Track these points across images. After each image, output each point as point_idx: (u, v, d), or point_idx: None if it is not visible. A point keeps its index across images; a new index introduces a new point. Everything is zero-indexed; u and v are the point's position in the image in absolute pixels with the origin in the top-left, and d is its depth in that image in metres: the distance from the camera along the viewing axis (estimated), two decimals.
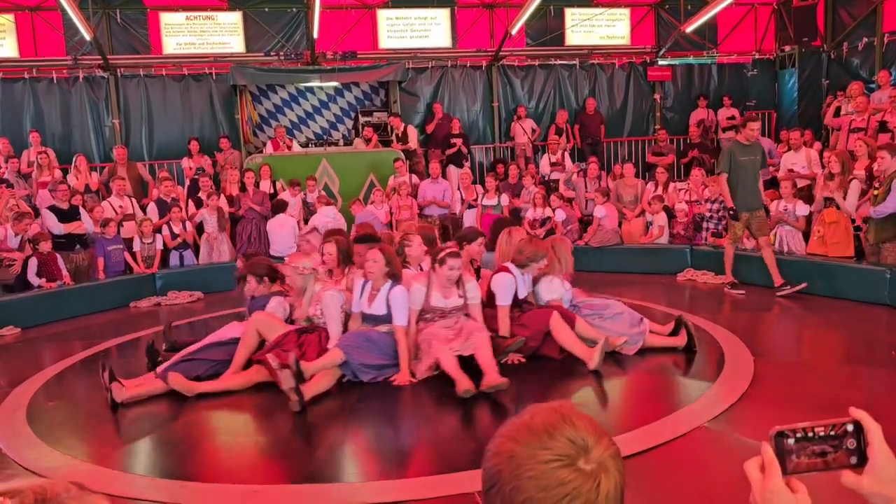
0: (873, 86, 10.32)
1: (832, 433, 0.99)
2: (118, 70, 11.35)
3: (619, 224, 9.41)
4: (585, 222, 9.73)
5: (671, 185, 9.76)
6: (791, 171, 8.85)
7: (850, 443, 0.99)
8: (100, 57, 10.95)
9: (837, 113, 9.85)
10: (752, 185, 6.97)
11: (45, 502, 0.70)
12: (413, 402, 4.56)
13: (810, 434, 0.99)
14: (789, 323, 6.31)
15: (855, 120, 9.04)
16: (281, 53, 11.77)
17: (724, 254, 7.42)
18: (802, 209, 7.78)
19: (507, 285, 5.18)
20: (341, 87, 12.33)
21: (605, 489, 0.91)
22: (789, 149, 9.27)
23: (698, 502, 3.06)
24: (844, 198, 7.17)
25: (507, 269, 5.27)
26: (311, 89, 12.24)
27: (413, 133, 11.39)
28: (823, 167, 8.21)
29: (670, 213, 9.21)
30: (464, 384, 4.32)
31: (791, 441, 0.99)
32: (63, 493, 0.72)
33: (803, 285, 6.76)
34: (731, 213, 7.05)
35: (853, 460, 0.99)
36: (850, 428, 0.99)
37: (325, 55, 11.74)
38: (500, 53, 12.21)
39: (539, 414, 0.97)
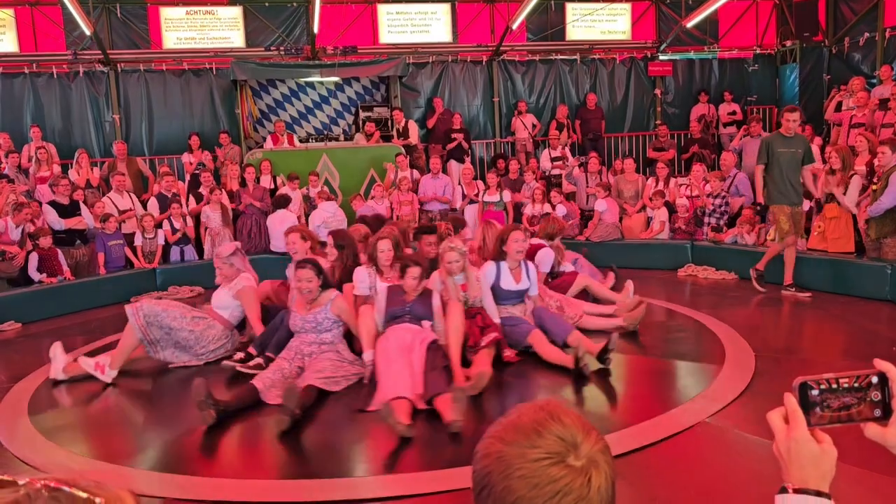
0: (874, 81, 10.30)
1: (857, 385, 0.97)
2: (118, 65, 11.33)
3: (620, 219, 9.40)
4: (586, 217, 9.73)
5: (672, 180, 9.76)
6: None
7: (875, 395, 0.97)
8: (100, 52, 10.93)
9: (839, 108, 9.83)
10: (794, 179, 6.67)
11: (69, 484, 0.71)
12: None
13: (834, 385, 0.98)
14: (790, 318, 6.31)
15: (856, 115, 9.03)
16: (281, 48, 11.75)
17: (785, 256, 6.83)
18: (805, 204, 7.76)
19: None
20: (342, 83, 12.31)
21: (597, 484, 0.90)
22: None
23: (699, 498, 3.06)
24: (845, 193, 7.16)
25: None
26: (311, 84, 12.23)
27: (414, 128, 11.37)
28: (824, 162, 8.19)
29: (671, 209, 9.21)
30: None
31: (815, 392, 0.98)
32: (85, 482, 0.73)
33: (808, 294, 6.69)
34: (759, 207, 6.92)
35: (877, 413, 0.97)
36: (874, 380, 0.97)
37: (326, 50, 11.72)
38: (501, 48, 12.19)
39: (526, 413, 0.97)
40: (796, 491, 0.98)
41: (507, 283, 5.27)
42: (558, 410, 0.96)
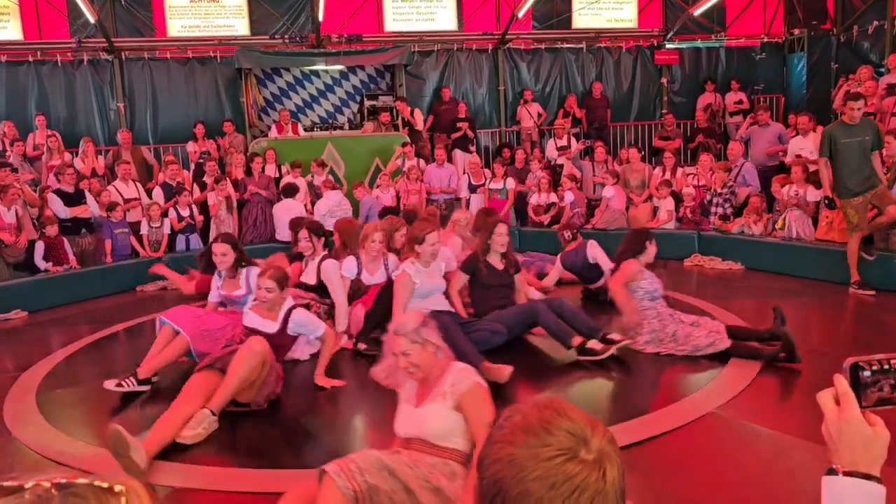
0: (883, 70, 10.22)
1: None
2: (122, 53, 11.30)
3: (626, 208, 9.38)
4: (592, 206, 9.71)
5: (679, 169, 9.72)
6: (799, 156, 8.78)
7: None
8: (104, 40, 10.90)
9: None
10: (861, 168, 6.27)
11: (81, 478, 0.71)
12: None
13: (886, 366, 0.96)
14: (799, 309, 6.27)
15: None
16: (286, 36, 11.70)
17: (847, 249, 6.46)
18: (813, 194, 7.73)
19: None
20: (346, 71, 12.25)
21: (612, 476, 0.90)
22: (797, 133, 9.20)
23: (708, 488, 3.05)
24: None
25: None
26: (316, 73, 12.18)
27: (420, 116, 11.33)
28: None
29: (678, 199, 9.17)
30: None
31: (867, 373, 0.96)
32: (96, 474, 0.73)
33: (872, 293, 6.32)
34: (827, 202, 6.71)
35: None
36: None
37: (331, 38, 11.66)
38: (507, 37, 12.12)
39: (530, 413, 0.94)
40: (846, 473, 0.96)
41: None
42: (562, 406, 0.95)
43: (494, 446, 0.93)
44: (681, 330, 4.75)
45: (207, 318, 4.83)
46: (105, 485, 0.71)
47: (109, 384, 4.45)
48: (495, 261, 5.30)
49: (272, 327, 4.28)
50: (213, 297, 5.14)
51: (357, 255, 5.52)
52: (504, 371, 4.25)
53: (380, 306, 5.21)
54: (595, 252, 6.45)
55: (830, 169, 6.45)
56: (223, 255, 4.98)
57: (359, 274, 5.49)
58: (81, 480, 0.71)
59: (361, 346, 5.18)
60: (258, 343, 3.96)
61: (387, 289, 5.22)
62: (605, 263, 6.20)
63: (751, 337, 4.71)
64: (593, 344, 4.68)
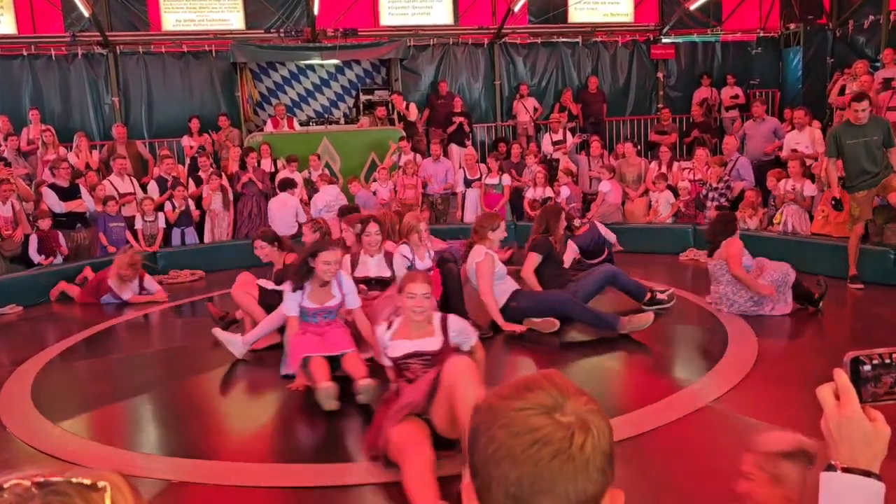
0: (878, 64, 10.22)
1: None
2: (117, 47, 11.25)
3: (623, 203, 9.40)
4: (588, 201, 9.72)
5: (675, 163, 9.72)
6: (795, 150, 8.80)
7: None
8: (98, 34, 10.84)
9: (842, 92, 9.76)
10: (868, 168, 6.19)
11: (61, 475, 0.70)
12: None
13: (888, 360, 0.95)
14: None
15: None
16: (281, 30, 11.66)
17: (849, 243, 6.46)
18: (810, 189, 7.74)
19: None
20: (342, 65, 12.22)
21: (580, 442, 0.86)
22: (793, 128, 9.21)
23: (703, 481, 3.06)
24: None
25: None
26: (311, 67, 12.14)
27: (414, 108, 11.31)
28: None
29: (674, 193, 9.18)
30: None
31: (867, 368, 0.95)
32: (75, 471, 0.71)
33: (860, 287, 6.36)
34: (834, 202, 6.59)
35: None
36: None
37: (326, 32, 11.63)
38: (503, 31, 12.10)
39: (527, 375, 0.96)
40: (845, 470, 0.95)
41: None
42: (556, 375, 0.95)
43: (484, 399, 0.95)
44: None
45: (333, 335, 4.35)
46: (87, 481, 0.69)
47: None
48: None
49: (435, 343, 3.52)
50: (291, 310, 4.40)
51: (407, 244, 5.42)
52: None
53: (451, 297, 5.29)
54: (604, 230, 7.77)
55: (838, 169, 6.41)
56: (336, 262, 4.37)
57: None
58: (60, 478, 0.69)
59: None
60: (467, 365, 3.06)
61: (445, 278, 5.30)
62: (612, 237, 7.95)
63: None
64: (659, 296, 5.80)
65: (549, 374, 0.94)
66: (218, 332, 5.08)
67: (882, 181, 6.28)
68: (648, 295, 5.84)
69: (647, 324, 5.01)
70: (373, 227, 5.14)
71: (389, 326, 3.66)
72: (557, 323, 5.29)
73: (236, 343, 4.95)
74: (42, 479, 0.68)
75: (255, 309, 5.22)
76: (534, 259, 5.79)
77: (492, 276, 5.35)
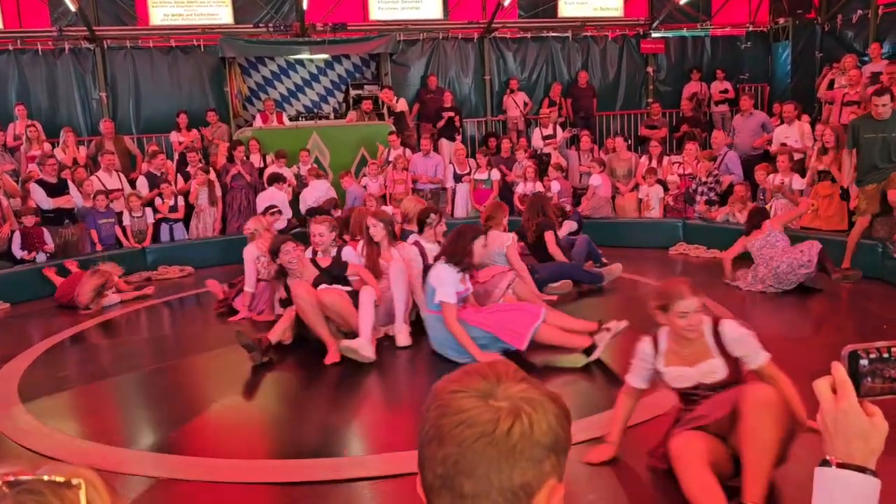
0: (866, 59, 10.27)
1: None
2: (104, 42, 11.15)
3: (613, 198, 9.41)
4: (578, 195, 9.73)
5: (665, 158, 9.74)
6: (784, 144, 8.83)
7: None
8: (85, 28, 10.75)
9: (831, 86, 9.81)
10: (882, 165, 6.22)
11: (31, 473, 0.68)
12: (410, 372, 4.56)
13: (885, 355, 0.93)
14: (783, 297, 6.30)
15: (848, 93, 9.00)
16: (270, 25, 11.59)
17: (851, 233, 6.53)
18: (799, 182, 7.77)
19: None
20: (331, 60, 12.16)
21: (505, 427, 0.84)
22: (782, 122, 9.25)
23: None
24: (840, 171, 7.17)
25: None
26: (300, 62, 12.08)
27: (404, 103, 11.27)
28: (815, 140, 8.19)
29: (665, 187, 9.21)
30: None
31: (865, 362, 0.93)
32: (48, 468, 0.70)
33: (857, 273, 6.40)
34: (842, 191, 6.62)
35: None
36: None
37: (315, 27, 11.57)
38: (492, 25, 12.07)
39: (477, 363, 0.96)
40: (840, 465, 0.93)
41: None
42: (502, 362, 0.94)
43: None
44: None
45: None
46: (61, 479, 0.68)
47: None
48: None
49: (720, 370, 2.97)
50: (451, 297, 4.46)
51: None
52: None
53: None
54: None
55: (854, 161, 6.40)
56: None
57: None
58: (33, 476, 0.67)
59: None
60: (769, 398, 2.72)
61: None
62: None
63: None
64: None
65: (496, 362, 0.94)
66: (344, 344, 4.67)
67: (891, 174, 6.25)
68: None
69: (619, 272, 6.64)
70: (290, 246, 5.03)
71: (656, 347, 3.08)
72: (571, 283, 6.42)
73: (363, 345, 4.63)
74: (13, 478, 0.67)
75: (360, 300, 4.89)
76: (552, 237, 6.71)
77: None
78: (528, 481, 0.85)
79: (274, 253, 5.02)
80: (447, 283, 4.48)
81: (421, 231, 5.54)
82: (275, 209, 8.04)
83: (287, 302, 5.13)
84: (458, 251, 4.55)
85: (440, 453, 0.86)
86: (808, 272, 6.01)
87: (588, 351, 4.51)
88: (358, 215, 5.99)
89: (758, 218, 6.41)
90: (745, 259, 6.49)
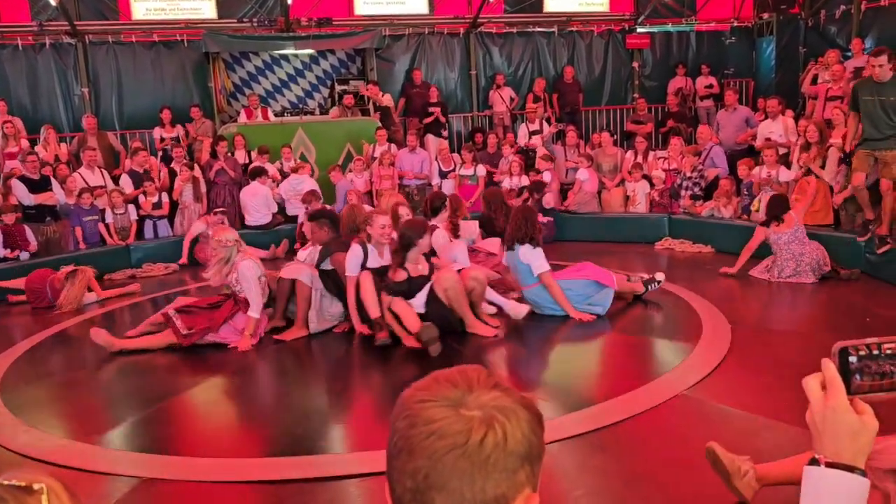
0: (850, 54, 10.33)
1: None
2: (86, 36, 11.02)
3: (599, 192, 9.43)
4: (564, 190, 9.75)
5: (651, 153, 9.77)
6: (768, 139, 8.87)
7: None
8: (66, 23, 10.62)
9: (814, 81, 9.86)
10: (880, 127, 6.13)
11: None
12: (395, 368, 4.55)
13: (876, 352, 0.91)
14: (766, 290, 6.35)
15: (832, 88, 9.05)
16: (254, 20, 11.49)
17: (858, 197, 6.58)
18: (786, 175, 7.81)
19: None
20: (316, 55, 12.09)
21: (478, 438, 0.80)
22: (766, 117, 9.29)
23: (679, 469, 3.08)
24: (823, 167, 7.21)
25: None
26: (285, 57, 12.00)
27: (389, 98, 11.22)
28: (799, 136, 8.22)
29: (651, 182, 9.23)
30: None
31: (854, 359, 0.92)
32: (9, 474, 0.68)
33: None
34: (843, 155, 6.61)
35: None
36: None
37: (300, 22, 11.48)
38: (478, 20, 12.05)
39: (445, 369, 0.91)
40: (829, 465, 0.91)
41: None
42: (473, 369, 0.90)
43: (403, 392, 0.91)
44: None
45: None
46: (21, 484, 0.67)
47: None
48: None
49: None
50: (547, 266, 5.37)
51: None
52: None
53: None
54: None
55: (856, 123, 6.39)
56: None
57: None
58: None
59: None
60: None
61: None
62: None
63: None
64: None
65: (466, 368, 0.90)
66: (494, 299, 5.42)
67: (886, 155, 6.17)
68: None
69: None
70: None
71: None
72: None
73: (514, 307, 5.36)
74: None
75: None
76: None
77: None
78: (502, 493, 0.82)
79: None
80: (538, 257, 5.29)
81: (435, 216, 6.10)
82: (220, 210, 8.35)
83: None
84: (528, 231, 5.32)
85: (410, 466, 0.82)
86: (825, 269, 6.25)
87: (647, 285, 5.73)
88: (351, 213, 5.94)
89: (780, 209, 6.43)
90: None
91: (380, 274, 5.07)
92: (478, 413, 0.82)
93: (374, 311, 4.90)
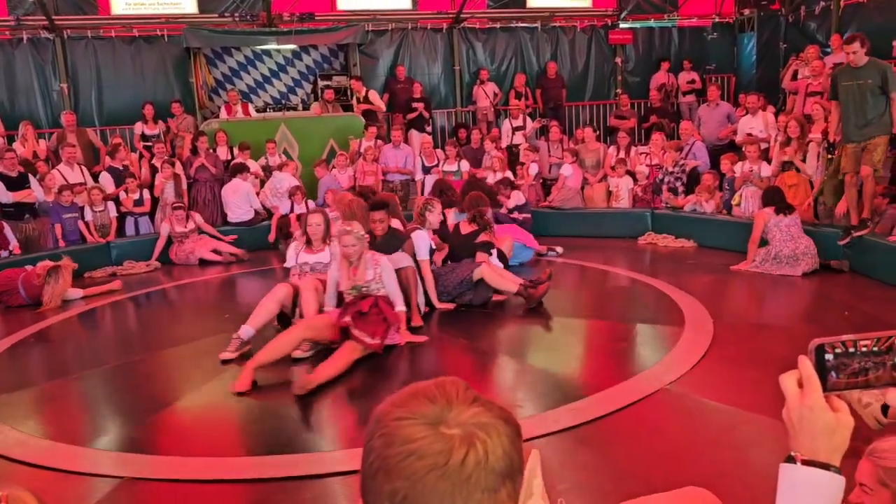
0: (829, 50, 10.42)
1: (877, 348, 0.91)
2: (64, 31, 10.88)
3: (582, 188, 9.46)
4: (548, 185, 9.77)
5: (633, 148, 9.81)
6: (749, 135, 8.93)
7: None
8: (44, 17, 10.48)
9: (795, 77, 9.94)
10: (859, 112, 6.13)
11: None
12: (377, 366, 4.54)
13: (852, 349, 0.92)
14: (748, 285, 6.42)
15: (812, 84, 9.13)
16: (236, 15, 11.39)
17: (846, 195, 6.54)
18: (767, 170, 7.87)
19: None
20: (299, 51, 12.01)
21: (459, 457, 0.78)
22: (747, 112, 9.35)
23: (660, 463, 3.10)
24: (804, 160, 7.27)
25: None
26: (267, 52, 11.91)
27: (375, 96, 11.17)
28: (779, 131, 8.29)
29: (634, 178, 9.27)
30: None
31: (831, 357, 0.92)
32: None
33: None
34: (827, 145, 6.65)
35: None
36: None
37: (282, 17, 11.41)
38: (461, 16, 12.03)
39: (421, 382, 0.87)
40: (805, 462, 0.92)
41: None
42: (451, 382, 0.86)
43: (377, 407, 0.88)
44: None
45: None
46: None
47: None
48: None
49: None
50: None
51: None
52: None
53: None
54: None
55: (839, 113, 6.45)
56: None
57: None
58: None
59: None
60: None
61: None
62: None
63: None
64: None
65: (444, 381, 0.86)
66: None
67: (868, 144, 6.18)
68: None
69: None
70: None
71: None
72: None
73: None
74: None
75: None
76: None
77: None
78: None
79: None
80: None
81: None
82: (178, 204, 8.49)
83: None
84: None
85: (387, 487, 0.79)
86: (815, 261, 6.37)
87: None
88: (347, 203, 6.04)
89: (778, 199, 6.64)
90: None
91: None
92: (458, 431, 0.80)
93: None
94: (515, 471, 0.82)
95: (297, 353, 4.63)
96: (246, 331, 4.78)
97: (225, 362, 4.63)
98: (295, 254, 5.51)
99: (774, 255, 6.46)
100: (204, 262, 8.32)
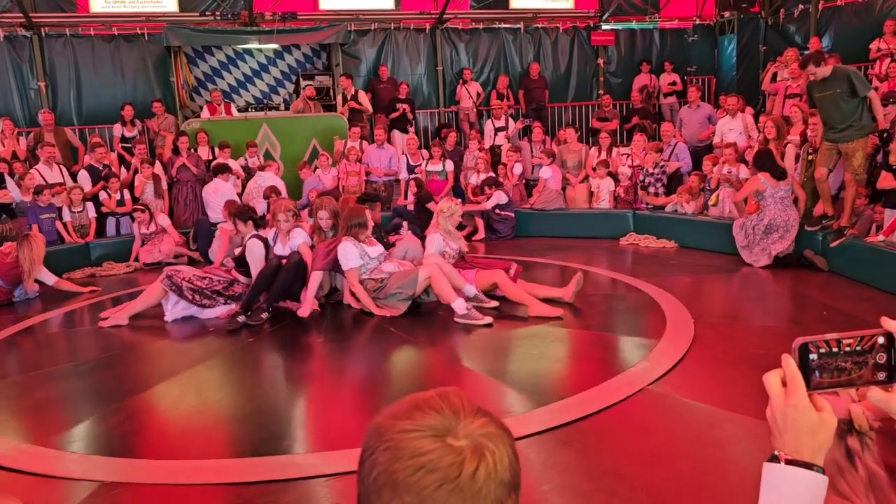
0: (807, 52, 10.54)
1: (860, 347, 0.92)
2: (42, 29, 10.75)
3: (563, 189, 9.49)
4: (530, 186, 9.80)
5: (615, 150, 9.85)
6: (721, 141, 9.01)
7: (880, 357, 0.91)
8: (21, 15, 10.34)
9: (774, 79, 10.05)
10: (834, 119, 6.39)
11: None
12: (362, 366, 4.53)
13: (835, 349, 0.92)
14: (729, 285, 6.47)
15: (790, 86, 9.23)
16: (217, 13, 11.32)
17: (818, 187, 6.74)
18: (745, 172, 7.94)
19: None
20: (281, 50, 11.96)
21: (470, 469, 0.77)
22: (726, 114, 9.43)
23: (643, 463, 3.12)
24: (782, 160, 7.33)
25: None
26: (249, 52, 11.85)
27: (364, 96, 11.13)
28: (759, 133, 8.36)
29: (614, 179, 9.32)
30: None
31: (814, 356, 0.92)
32: None
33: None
34: (813, 151, 6.82)
35: (881, 376, 0.91)
36: (881, 340, 0.91)
37: (264, 16, 11.34)
38: (444, 16, 12.03)
39: (419, 394, 0.87)
40: (788, 462, 0.92)
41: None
42: (454, 393, 0.86)
43: (376, 418, 0.87)
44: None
45: None
46: None
47: None
48: None
49: None
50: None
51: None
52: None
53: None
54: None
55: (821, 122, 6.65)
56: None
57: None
58: None
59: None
60: None
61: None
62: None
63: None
64: None
65: (446, 391, 0.86)
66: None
67: (848, 143, 6.33)
68: None
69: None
70: None
71: None
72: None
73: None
74: None
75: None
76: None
77: None
78: None
79: None
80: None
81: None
82: (139, 206, 8.55)
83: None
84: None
85: (395, 503, 0.77)
86: (789, 244, 6.59)
87: None
88: (343, 202, 6.32)
89: (774, 163, 6.72)
90: None
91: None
92: (466, 443, 0.79)
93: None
94: (518, 480, 0.82)
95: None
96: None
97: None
98: (360, 252, 5.58)
99: (767, 223, 6.62)
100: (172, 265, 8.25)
